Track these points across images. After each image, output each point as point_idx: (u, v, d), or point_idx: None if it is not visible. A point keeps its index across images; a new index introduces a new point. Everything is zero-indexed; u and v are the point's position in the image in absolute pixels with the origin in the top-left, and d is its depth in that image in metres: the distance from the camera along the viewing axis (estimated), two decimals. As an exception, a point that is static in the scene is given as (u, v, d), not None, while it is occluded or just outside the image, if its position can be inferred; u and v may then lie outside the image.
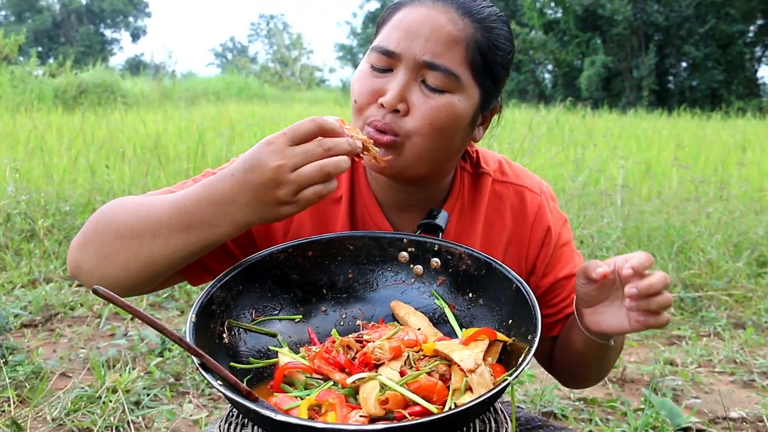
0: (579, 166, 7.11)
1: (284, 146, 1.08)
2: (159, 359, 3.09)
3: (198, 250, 1.19)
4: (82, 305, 3.80)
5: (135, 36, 59.27)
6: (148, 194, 1.32)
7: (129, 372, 2.87)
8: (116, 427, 2.52)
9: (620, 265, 1.19)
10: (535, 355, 1.08)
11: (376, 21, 1.40)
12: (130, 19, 58.08)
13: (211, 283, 1.21)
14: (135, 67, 45.81)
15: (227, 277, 1.22)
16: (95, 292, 0.99)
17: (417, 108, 1.27)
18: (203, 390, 2.89)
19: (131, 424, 2.55)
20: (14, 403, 2.62)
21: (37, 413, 2.56)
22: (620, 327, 1.24)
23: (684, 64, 27.46)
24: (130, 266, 1.20)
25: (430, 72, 1.27)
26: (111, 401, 2.63)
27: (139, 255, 1.19)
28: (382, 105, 1.27)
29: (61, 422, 2.52)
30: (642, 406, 2.80)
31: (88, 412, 2.60)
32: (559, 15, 28.51)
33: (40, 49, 45.56)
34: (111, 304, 3.23)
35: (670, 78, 27.56)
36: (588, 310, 1.29)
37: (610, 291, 1.25)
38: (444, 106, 1.28)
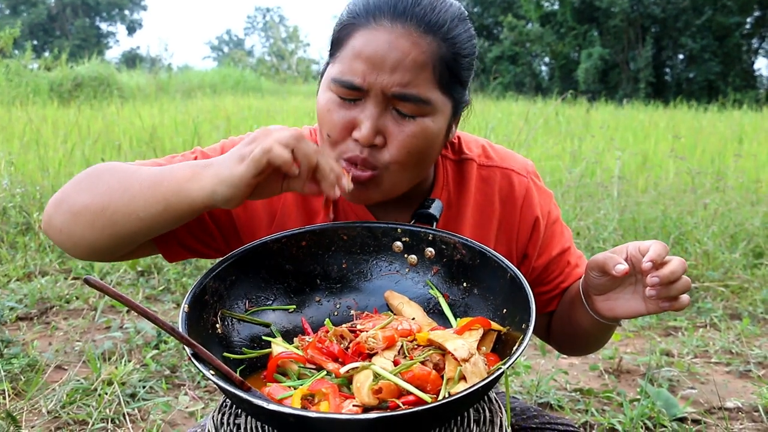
0: (576, 157, 7.11)
1: (263, 132, 1.12)
2: (155, 351, 3.09)
3: (154, 215, 1.18)
4: (77, 298, 3.80)
5: (131, 29, 59.07)
6: (136, 163, 1.32)
7: (124, 364, 2.86)
8: (112, 420, 2.52)
9: (633, 254, 1.22)
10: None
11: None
12: (126, 12, 57.86)
13: (204, 273, 1.20)
14: (131, 60, 45.69)
15: (220, 268, 1.21)
16: (87, 281, 0.98)
17: (393, 137, 1.25)
18: (199, 382, 2.89)
19: (127, 417, 2.54)
20: (9, 396, 2.61)
21: (33, 406, 2.56)
22: (637, 311, 1.28)
23: (681, 56, 27.47)
24: (95, 223, 1.20)
25: (400, 102, 1.23)
26: (106, 394, 2.63)
27: (105, 210, 1.19)
28: (356, 139, 1.25)
29: (57, 415, 2.51)
30: (638, 397, 2.80)
31: (84, 404, 2.59)
32: (556, 7, 28.48)
33: (35, 42, 45.42)
34: (106, 297, 3.23)
35: (667, 70, 27.58)
36: (600, 298, 1.32)
37: (623, 279, 1.28)
38: (419, 131, 1.25)
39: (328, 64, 1.32)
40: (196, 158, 1.38)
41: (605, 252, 1.25)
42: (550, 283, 1.54)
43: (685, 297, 1.21)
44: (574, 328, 1.46)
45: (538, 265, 1.53)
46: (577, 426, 1.59)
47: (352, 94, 1.24)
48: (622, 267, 1.19)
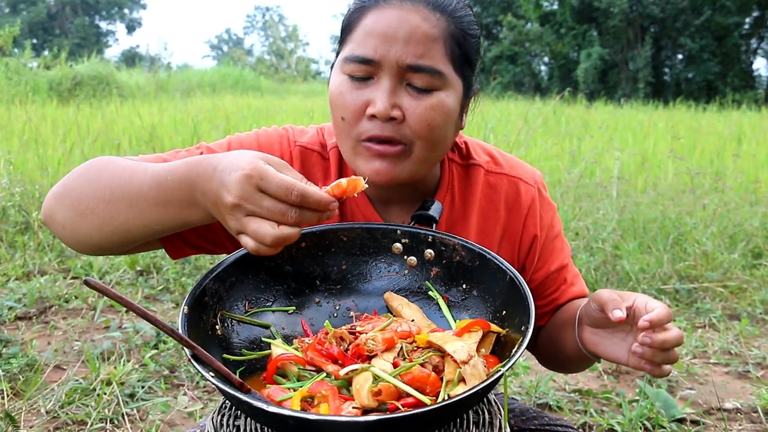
0: (575, 158, 7.11)
1: (254, 189, 1.01)
2: (154, 351, 3.08)
3: (173, 227, 1.18)
4: (76, 297, 3.79)
5: (130, 28, 59.09)
6: (138, 158, 1.30)
7: (123, 364, 2.86)
8: (110, 420, 2.52)
9: (638, 306, 1.16)
10: None
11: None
12: (126, 10, 57.89)
13: (204, 274, 1.20)
14: (130, 59, 45.68)
15: (220, 269, 1.21)
16: (86, 283, 0.98)
17: (411, 112, 1.24)
18: (198, 382, 2.89)
19: (126, 417, 2.54)
20: (8, 396, 2.61)
21: (31, 406, 2.56)
22: (617, 358, 1.23)
23: (680, 56, 27.50)
24: (103, 228, 1.20)
25: (415, 74, 1.23)
26: (105, 394, 2.63)
27: (113, 220, 1.18)
28: (372, 116, 1.24)
29: (55, 415, 2.51)
30: (637, 398, 2.80)
31: (83, 404, 2.59)
32: (555, 7, 28.50)
33: (35, 41, 45.43)
34: (106, 297, 3.23)
35: (666, 70, 27.60)
36: (590, 329, 1.28)
37: (617, 324, 1.23)
38: (436, 105, 1.25)
39: (338, 54, 1.32)
40: (201, 153, 1.37)
41: (613, 291, 1.20)
42: (545, 298, 1.53)
43: (667, 367, 1.17)
44: (558, 347, 1.45)
45: (535, 279, 1.52)
46: (576, 427, 1.60)
47: (365, 70, 1.24)
48: (619, 314, 1.14)
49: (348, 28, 1.30)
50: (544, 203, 1.52)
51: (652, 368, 1.16)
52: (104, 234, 1.20)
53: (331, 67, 1.34)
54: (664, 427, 2.60)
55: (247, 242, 1.05)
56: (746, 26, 27.43)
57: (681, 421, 2.67)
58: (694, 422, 2.67)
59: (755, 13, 27.46)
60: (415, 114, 1.24)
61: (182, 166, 1.11)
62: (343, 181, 1.08)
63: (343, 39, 1.32)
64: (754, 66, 29.95)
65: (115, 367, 2.82)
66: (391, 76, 1.23)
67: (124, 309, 3.64)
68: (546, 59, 30.02)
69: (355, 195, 1.10)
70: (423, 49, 1.23)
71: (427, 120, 1.25)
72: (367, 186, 1.10)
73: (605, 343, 1.25)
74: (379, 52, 1.22)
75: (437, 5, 1.25)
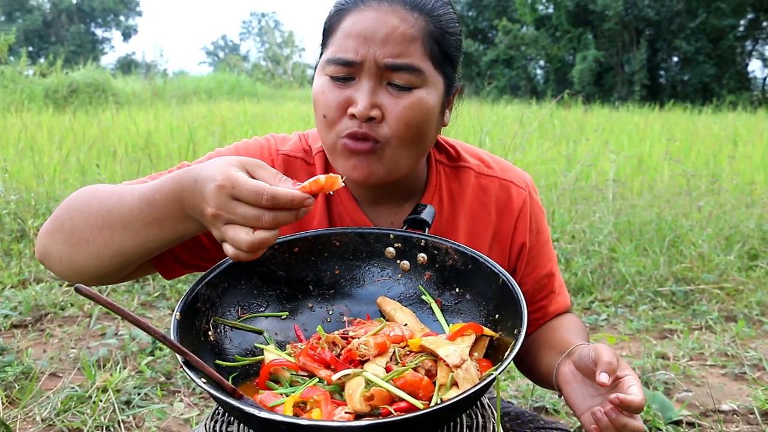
0: (571, 161, 7.11)
1: (227, 198, 1.04)
2: (150, 358, 3.08)
3: (170, 242, 1.19)
4: (72, 305, 3.79)
5: (126, 35, 59.02)
6: (123, 184, 1.31)
7: (119, 371, 2.86)
8: (106, 427, 2.51)
9: (622, 384, 1.13)
10: None
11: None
12: (121, 18, 57.84)
13: (196, 280, 1.20)
14: (126, 66, 45.66)
15: (212, 275, 1.21)
16: (77, 290, 0.98)
17: (390, 111, 1.27)
18: (194, 389, 2.88)
19: (122, 424, 2.54)
20: (3, 404, 2.60)
21: (27, 414, 2.55)
22: (575, 407, 1.21)
23: (675, 59, 27.54)
24: (100, 255, 1.21)
25: (394, 73, 1.26)
26: (101, 401, 2.62)
27: (109, 245, 1.19)
28: (353, 116, 1.26)
29: (51, 422, 2.51)
30: (633, 400, 2.80)
31: (78, 412, 2.58)
32: (551, 10, 28.56)
33: (30, 48, 45.34)
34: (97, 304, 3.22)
35: (662, 72, 27.64)
36: (572, 368, 1.25)
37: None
38: (415, 103, 1.27)
39: (321, 56, 1.35)
40: None
41: (615, 354, 1.16)
42: (534, 303, 1.53)
43: None
44: (533, 361, 1.46)
45: (525, 282, 1.52)
46: (572, 430, 1.59)
47: (346, 71, 1.27)
48: (605, 379, 1.11)
49: (329, 30, 1.33)
50: (534, 207, 1.53)
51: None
52: (101, 261, 1.21)
53: (314, 69, 1.37)
54: (660, 430, 2.59)
55: (228, 249, 1.07)
56: (741, 28, 27.48)
57: (677, 423, 2.67)
58: (691, 424, 2.67)
59: (750, 16, 27.52)
60: (394, 113, 1.27)
61: (168, 183, 1.13)
62: (321, 177, 1.08)
63: (324, 42, 1.35)
64: (749, 68, 29.95)
65: (111, 374, 2.81)
66: (370, 76, 1.26)
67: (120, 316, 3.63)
68: (542, 63, 30.03)
69: (331, 192, 1.10)
70: (400, 48, 1.25)
71: (405, 119, 1.27)
72: (344, 184, 1.10)
73: (575, 387, 1.23)
74: (360, 54, 1.25)
75: (415, 5, 1.28)
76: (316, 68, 1.36)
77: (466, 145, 1.56)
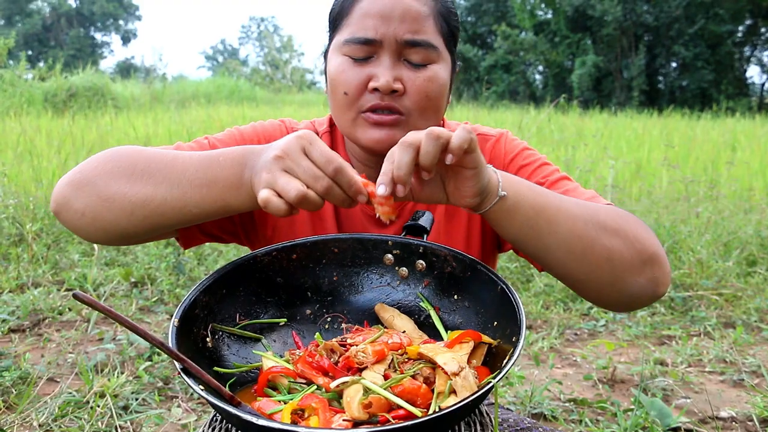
0: (569, 166, 7.12)
1: (299, 149, 1.08)
2: (148, 363, 3.07)
3: (209, 213, 1.19)
4: (70, 310, 3.78)
5: (125, 39, 59.13)
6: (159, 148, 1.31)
7: (117, 376, 2.85)
8: (104, 433, 2.51)
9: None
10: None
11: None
12: (121, 22, 57.94)
13: (194, 287, 1.20)
14: (125, 70, 45.69)
15: (211, 281, 1.21)
16: (75, 297, 0.97)
17: (411, 84, 1.34)
18: (192, 394, 2.87)
19: (119, 429, 2.53)
20: (0, 410, 2.60)
21: (24, 419, 2.54)
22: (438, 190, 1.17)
23: (674, 65, 27.59)
24: (135, 213, 1.19)
25: (412, 50, 1.33)
26: (99, 406, 2.61)
27: (147, 204, 1.18)
28: (375, 90, 1.33)
29: (48, 428, 2.50)
30: (632, 407, 2.80)
31: (76, 417, 2.58)
32: (550, 16, 28.60)
33: (30, 52, 45.38)
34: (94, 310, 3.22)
35: (660, 78, 27.68)
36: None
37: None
38: (432, 77, 1.35)
39: (331, 41, 1.41)
40: (207, 141, 1.44)
41: (466, 135, 1.08)
42: None
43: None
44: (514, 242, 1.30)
45: None
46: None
47: (366, 50, 1.34)
48: (448, 160, 1.07)
49: (342, 13, 1.39)
50: (508, 143, 1.52)
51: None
52: (134, 219, 1.20)
53: (325, 54, 1.44)
54: (659, 436, 2.59)
55: (265, 195, 1.06)
56: (739, 34, 27.56)
57: (676, 430, 2.66)
58: (689, 431, 2.67)
59: (748, 22, 27.59)
60: (415, 86, 1.34)
61: (237, 148, 1.18)
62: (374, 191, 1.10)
63: (336, 25, 1.40)
64: (748, 74, 29.99)
65: (108, 380, 2.81)
66: (390, 52, 1.33)
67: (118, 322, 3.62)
68: (540, 68, 30.06)
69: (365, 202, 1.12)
70: (417, 25, 1.33)
71: (426, 91, 1.34)
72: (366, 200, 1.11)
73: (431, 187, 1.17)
74: (380, 32, 1.32)
75: None
76: (326, 53, 1.43)
77: (453, 122, 1.58)
